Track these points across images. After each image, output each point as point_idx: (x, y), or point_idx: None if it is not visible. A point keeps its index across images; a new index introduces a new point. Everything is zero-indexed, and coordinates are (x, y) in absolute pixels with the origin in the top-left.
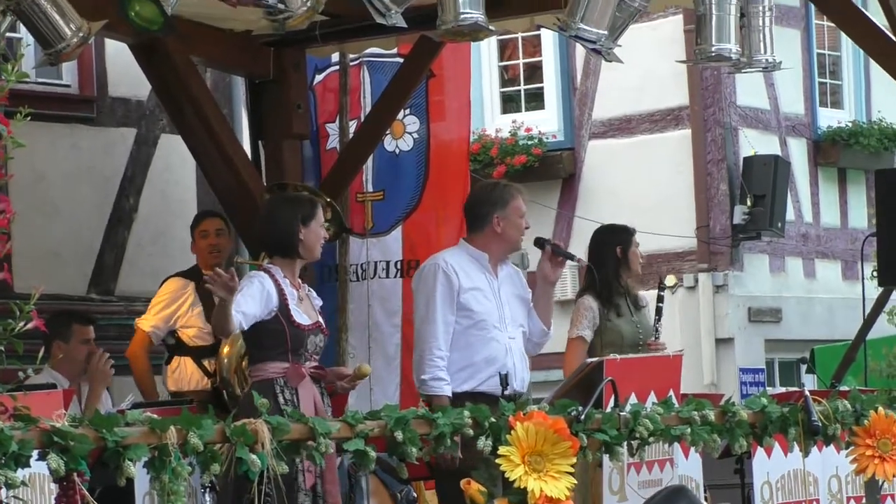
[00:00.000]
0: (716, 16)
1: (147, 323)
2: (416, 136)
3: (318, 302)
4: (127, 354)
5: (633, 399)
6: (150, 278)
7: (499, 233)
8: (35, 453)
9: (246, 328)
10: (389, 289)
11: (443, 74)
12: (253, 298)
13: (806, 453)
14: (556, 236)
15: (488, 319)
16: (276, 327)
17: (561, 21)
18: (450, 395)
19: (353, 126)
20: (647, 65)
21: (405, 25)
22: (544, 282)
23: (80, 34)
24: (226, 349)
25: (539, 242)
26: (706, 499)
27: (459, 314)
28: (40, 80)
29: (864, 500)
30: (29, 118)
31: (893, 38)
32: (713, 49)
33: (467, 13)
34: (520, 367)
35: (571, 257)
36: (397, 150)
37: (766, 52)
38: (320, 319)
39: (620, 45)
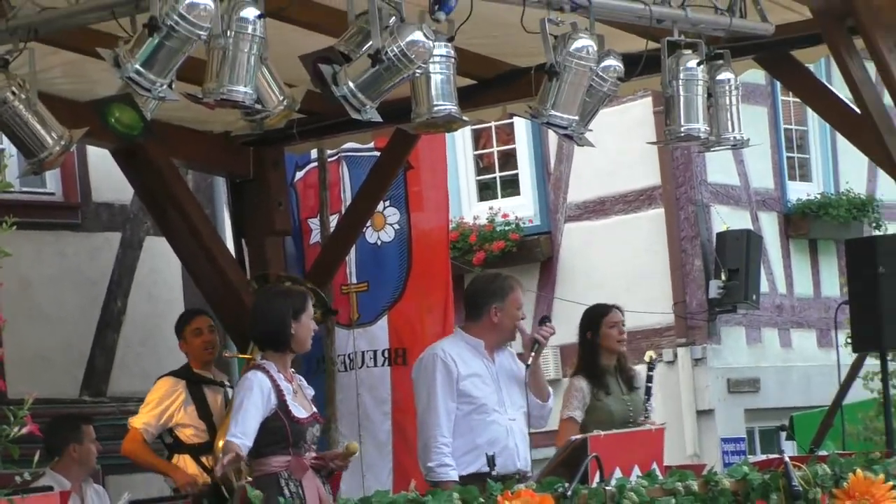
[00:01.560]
0: (683, 97)
1: (139, 420)
2: (396, 226)
3: (311, 392)
4: (124, 453)
5: (617, 473)
6: (141, 379)
7: (496, 323)
8: None
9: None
10: (378, 377)
11: (420, 165)
12: (253, 416)
13: None
14: (535, 321)
15: (488, 404)
16: (277, 424)
17: (532, 109)
18: (456, 479)
19: (334, 220)
20: (618, 147)
21: (380, 120)
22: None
23: (62, 142)
24: (220, 444)
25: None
26: None
27: (460, 401)
28: (24, 188)
29: None
30: (14, 227)
31: (858, 111)
32: (682, 129)
33: (441, 105)
34: (521, 447)
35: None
36: (379, 242)
37: (734, 130)
38: (315, 409)
39: (591, 130)
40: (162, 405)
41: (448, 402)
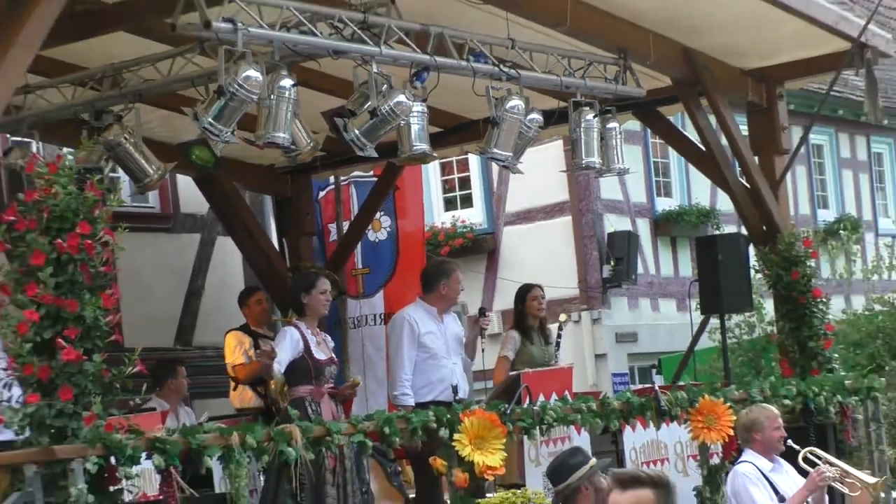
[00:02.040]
0: (584, 139)
1: (233, 361)
2: (388, 229)
3: (332, 343)
4: (242, 380)
5: (541, 399)
6: (214, 333)
7: (444, 294)
8: (144, 455)
9: (283, 370)
10: (377, 333)
11: (404, 187)
12: (285, 349)
13: (658, 428)
14: (484, 294)
15: (439, 353)
16: (303, 363)
17: (481, 148)
18: (412, 405)
19: (346, 225)
20: (539, 174)
21: (376, 156)
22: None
23: (159, 172)
24: (270, 382)
25: (481, 311)
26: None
27: (419, 350)
28: (133, 204)
29: (698, 457)
30: (126, 230)
31: (703, 148)
32: (583, 162)
33: (418, 146)
34: (462, 382)
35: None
36: (377, 240)
37: (618, 162)
38: (333, 356)
39: (521, 162)
40: (242, 347)
41: (411, 351)
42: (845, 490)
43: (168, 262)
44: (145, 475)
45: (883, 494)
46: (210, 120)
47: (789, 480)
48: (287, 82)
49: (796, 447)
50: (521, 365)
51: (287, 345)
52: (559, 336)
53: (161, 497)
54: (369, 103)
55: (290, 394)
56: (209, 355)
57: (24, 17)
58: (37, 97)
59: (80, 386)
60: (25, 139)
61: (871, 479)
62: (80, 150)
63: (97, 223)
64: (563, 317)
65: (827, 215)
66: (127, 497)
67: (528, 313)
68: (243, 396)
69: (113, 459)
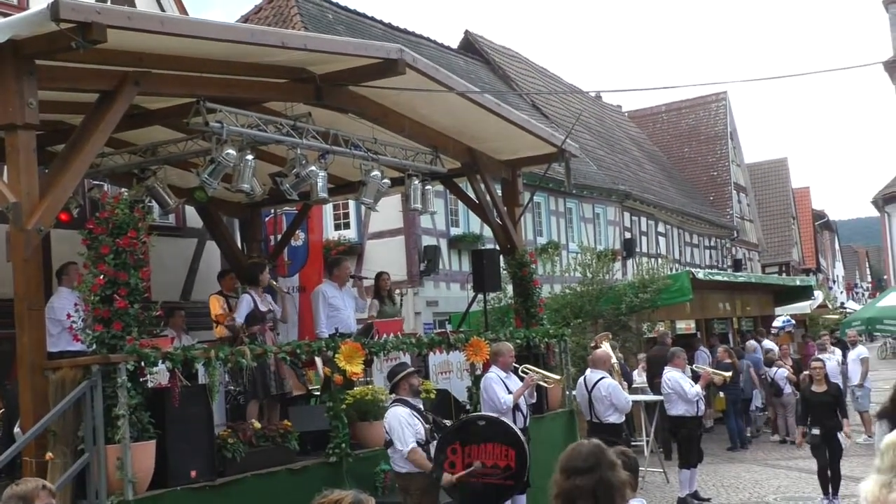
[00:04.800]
0: (412, 194)
1: (217, 312)
2: (303, 239)
3: (269, 299)
4: (215, 319)
5: (385, 336)
6: (203, 294)
7: (337, 275)
8: (160, 361)
9: (242, 319)
10: (294, 297)
11: (312, 215)
12: (242, 308)
13: (447, 353)
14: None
15: (342, 309)
16: (253, 312)
17: (356, 197)
18: (326, 336)
19: (279, 237)
20: (387, 211)
21: (297, 199)
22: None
23: (175, 203)
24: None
25: (353, 277)
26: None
27: (330, 309)
28: (160, 220)
29: (468, 369)
30: (156, 235)
31: (477, 201)
32: (412, 206)
33: (321, 195)
34: (354, 326)
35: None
36: (296, 245)
37: (430, 207)
38: (271, 307)
39: (378, 207)
40: (219, 303)
41: (326, 308)
42: (545, 384)
43: (179, 253)
44: (161, 373)
45: (563, 388)
46: (206, 175)
47: (516, 383)
48: (250, 156)
49: (517, 366)
50: (381, 317)
51: (244, 304)
52: (401, 301)
53: (169, 385)
54: (295, 170)
55: (248, 330)
56: (199, 307)
57: (104, 115)
58: (108, 159)
59: (125, 322)
60: (99, 182)
61: (558, 377)
62: (132, 190)
63: (140, 231)
64: (399, 293)
65: (542, 240)
66: (150, 384)
67: (381, 287)
68: (221, 332)
69: (142, 363)
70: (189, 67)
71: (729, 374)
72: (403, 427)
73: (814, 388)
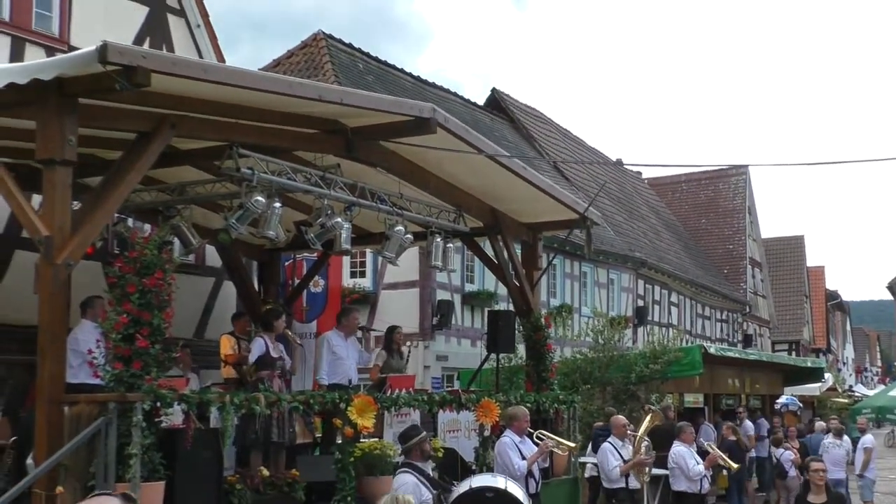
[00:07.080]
0: (433, 251)
1: (226, 352)
2: (322, 286)
3: (282, 348)
4: (228, 363)
5: (397, 391)
6: (216, 332)
7: (346, 325)
8: (175, 403)
9: (253, 361)
10: (310, 344)
11: (332, 263)
12: (255, 350)
13: (458, 412)
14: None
15: (344, 358)
16: (265, 359)
17: (375, 250)
18: (327, 384)
19: (297, 281)
20: (403, 263)
21: (320, 248)
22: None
23: (198, 243)
24: (244, 367)
25: (362, 328)
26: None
27: (332, 357)
28: (182, 259)
29: (477, 430)
30: (176, 272)
31: (496, 261)
32: (432, 262)
33: (345, 246)
34: (354, 376)
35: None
36: (315, 291)
37: (450, 264)
38: (282, 355)
39: (398, 262)
40: (230, 343)
41: (329, 356)
42: (557, 451)
43: (195, 291)
44: (175, 414)
45: (574, 456)
46: (233, 220)
47: (530, 448)
48: (277, 204)
49: (532, 430)
50: (386, 370)
51: (256, 347)
52: (408, 355)
53: (183, 426)
54: (320, 220)
55: (257, 374)
56: (213, 346)
57: (140, 155)
58: (136, 195)
59: (145, 361)
60: (124, 216)
61: (571, 444)
62: (159, 230)
63: (167, 272)
64: (408, 346)
65: (556, 302)
66: (163, 424)
67: (393, 340)
68: (228, 372)
69: (158, 403)
70: (225, 113)
71: (737, 466)
72: None
73: (811, 498)
